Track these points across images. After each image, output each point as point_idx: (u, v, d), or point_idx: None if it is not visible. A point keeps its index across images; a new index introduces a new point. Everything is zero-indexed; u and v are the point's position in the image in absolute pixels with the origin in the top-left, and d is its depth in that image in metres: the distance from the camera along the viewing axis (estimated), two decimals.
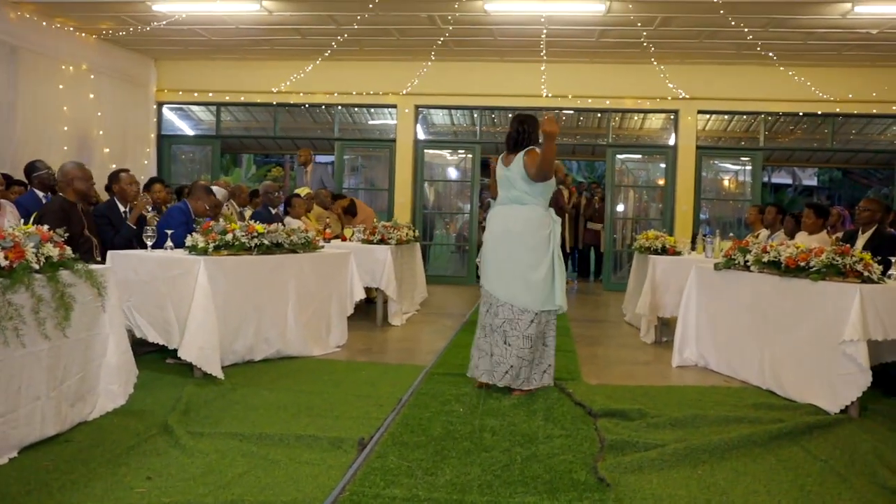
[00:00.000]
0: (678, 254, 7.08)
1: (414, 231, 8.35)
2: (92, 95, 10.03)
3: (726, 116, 12.16)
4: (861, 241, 6.18)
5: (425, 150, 12.08)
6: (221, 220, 5.49)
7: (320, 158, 14.87)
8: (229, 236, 5.12)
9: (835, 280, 4.48)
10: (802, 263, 4.68)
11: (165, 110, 12.27)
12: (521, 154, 4.69)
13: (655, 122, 12.58)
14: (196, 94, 11.88)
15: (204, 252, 5.01)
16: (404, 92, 11.47)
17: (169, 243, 5.35)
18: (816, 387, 4.52)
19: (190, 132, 12.79)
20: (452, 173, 13.13)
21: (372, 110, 12.50)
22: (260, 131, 13.36)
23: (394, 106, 11.80)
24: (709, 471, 3.41)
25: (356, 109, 12.40)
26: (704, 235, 7.19)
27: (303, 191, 9.44)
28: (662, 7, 8.32)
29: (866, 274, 4.43)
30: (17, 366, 3.23)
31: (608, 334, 7.45)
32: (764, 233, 7.96)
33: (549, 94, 11.26)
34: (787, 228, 7.61)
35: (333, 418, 4.03)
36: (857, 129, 12.15)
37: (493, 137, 12.35)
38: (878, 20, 8.41)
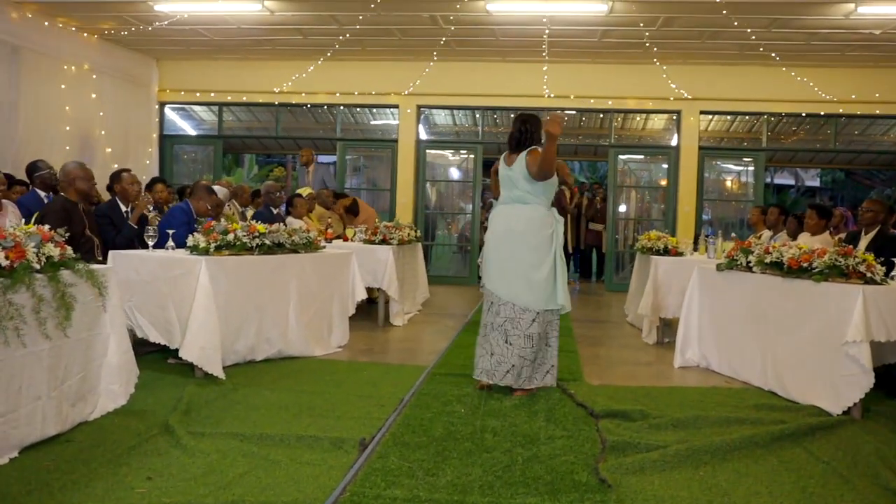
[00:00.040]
0: (680, 254, 7.07)
1: (416, 231, 8.35)
2: (94, 95, 10.03)
3: (729, 117, 12.15)
4: (864, 242, 6.16)
5: (427, 151, 12.08)
6: (223, 219, 5.49)
7: (322, 158, 14.90)
8: (231, 236, 5.12)
9: (837, 281, 4.47)
10: (805, 264, 4.67)
11: (167, 110, 12.28)
12: (523, 154, 4.69)
13: (658, 122, 12.57)
14: (198, 94, 11.89)
15: (205, 252, 5.01)
16: (406, 92, 11.47)
17: (170, 243, 5.35)
18: (819, 388, 4.50)
19: (192, 132, 12.80)
20: (454, 173, 13.13)
21: (374, 110, 12.51)
22: (262, 131, 13.38)
23: (396, 106, 11.80)
24: (710, 472, 3.40)
25: (358, 109, 12.41)
26: (707, 236, 7.17)
27: (305, 191, 9.43)
28: (665, 7, 8.31)
29: (869, 275, 4.42)
30: (17, 365, 3.22)
31: (610, 335, 7.44)
32: (766, 234, 7.95)
33: (552, 95, 11.25)
34: (790, 229, 7.60)
35: (335, 418, 4.02)
36: (860, 129, 12.14)
37: (495, 138, 12.34)
38: (881, 21, 8.39)
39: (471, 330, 7.03)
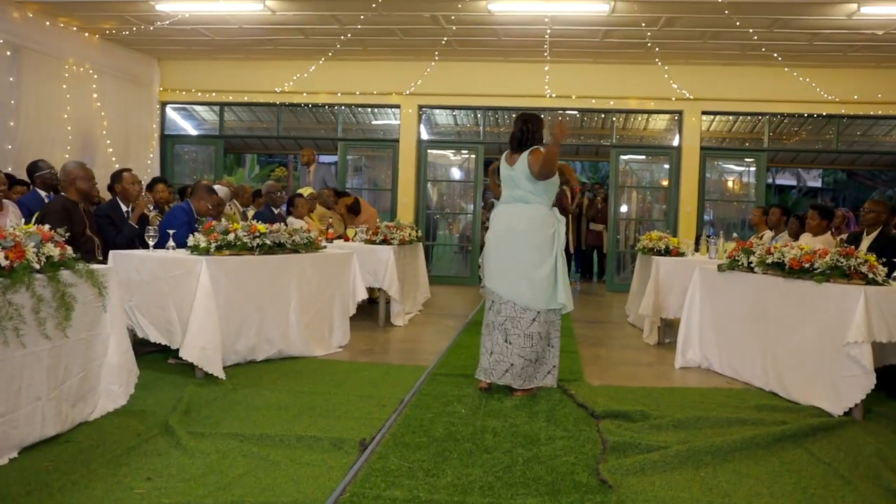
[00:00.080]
0: (681, 255, 7.06)
1: (417, 231, 8.34)
2: (95, 95, 10.03)
3: (731, 117, 12.13)
4: (866, 242, 6.15)
5: (429, 151, 12.07)
6: (224, 219, 5.48)
7: (324, 158, 14.90)
8: (231, 236, 5.12)
9: (839, 282, 4.46)
10: (806, 265, 4.66)
11: (169, 110, 12.28)
12: (525, 153, 4.68)
13: (659, 122, 12.55)
14: (199, 94, 11.88)
15: (206, 252, 5.00)
16: (408, 92, 11.46)
17: (171, 243, 5.35)
18: (820, 389, 4.50)
19: (193, 132, 12.80)
20: (456, 173, 13.12)
21: (375, 110, 12.50)
22: (263, 131, 13.37)
23: (397, 106, 11.79)
24: (711, 473, 3.39)
25: (359, 109, 12.39)
26: (708, 236, 7.16)
27: (306, 191, 9.43)
28: (667, 7, 8.30)
29: (871, 276, 4.41)
30: (17, 366, 3.22)
31: (611, 335, 7.43)
32: (768, 234, 7.94)
33: (553, 95, 11.24)
34: (792, 230, 7.59)
35: (335, 419, 4.02)
36: (862, 130, 12.12)
37: (497, 138, 12.32)
38: (884, 21, 8.37)
39: (471, 330, 7.03)
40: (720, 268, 5.54)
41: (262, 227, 5.33)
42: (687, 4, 8.19)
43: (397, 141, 11.85)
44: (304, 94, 11.67)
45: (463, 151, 12.53)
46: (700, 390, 5.05)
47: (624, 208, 12.13)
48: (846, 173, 23.78)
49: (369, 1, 8.20)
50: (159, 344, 4.96)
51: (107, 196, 7.61)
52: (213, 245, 5.03)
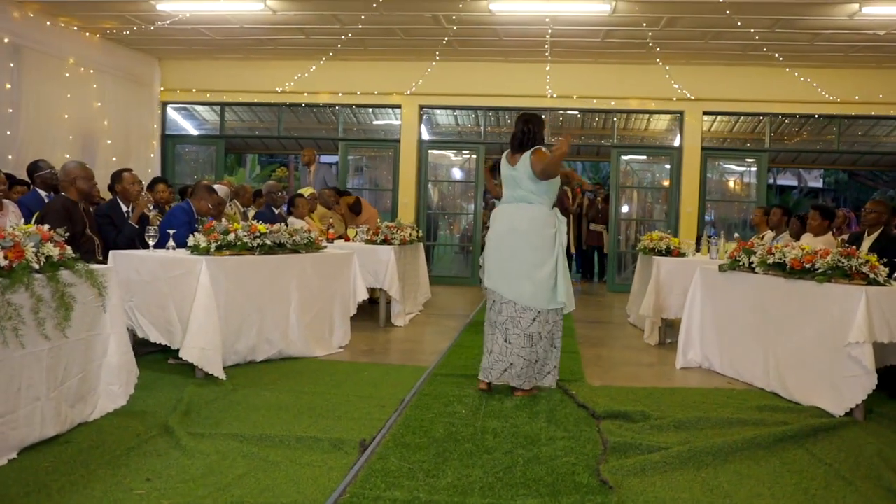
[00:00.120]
0: (683, 255, 7.05)
1: (417, 231, 8.34)
2: (96, 95, 10.02)
3: (732, 117, 12.12)
4: (867, 242, 6.14)
5: (429, 151, 12.06)
6: (224, 219, 5.48)
7: (325, 158, 14.88)
8: (231, 236, 5.11)
9: (840, 282, 4.45)
10: (808, 265, 4.65)
11: (169, 110, 12.28)
12: (527, 153, 4.67)
13: (660, 123, 12.54)
14: (200, 94, 11.87)
15: (206, 252, 5.00)
16: (409, 92, 11.46)
17: (171, 243, 5.34)
18: (821, 389, 4.49)
19: (194, 132, 12.79)
20: (457, 174, 13.11)
21: (376, 110, 12.49)
22: (264, 131, 13.36)
23: (398, 106, 11.79)
24: (712, 473, 3.38)
25: (360, 109, 12.39)
26: (709, 237, 7.15)
27: (306, 191, 9.42)
28: (668, 7, 8.29)
29: (872, 276, 4.41)
30: (16, 366, 3.21)
31: (612, 336, 7.42)
32: (769, 234, 7.93)
33: (554, 95, 11.23)
34: (793, 230, 7.58)
35: (335, 419, 4.01)
36: (863, 130, 12.10)
37: (498, 138, 12.31)
38: (885, 21, 8.36)
39: (472, 330, 7.03)
40: (721, 268, 5.54)
41: (262, 227, 5.33)
42: (688, 4, 8.18)
43: (398, 141, 11.85)
44: (305, 94, 11.67)
45: (464, 151, 12.53)
46: (701, 391, 5.04)
47: (625, 208, 12.12)
48: (847, 174, 23.77)
49: (370, 1, 8.19)
50: (159, 344, 4.96)
51: (107, 196, 7.60)
52: (214, 245, 5.02)
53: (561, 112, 11.90)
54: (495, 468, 3.32)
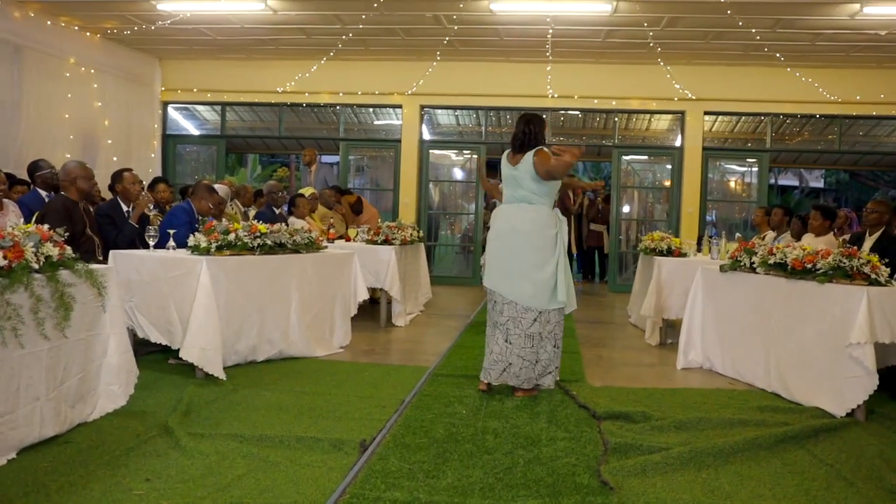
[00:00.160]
0: (684, 255, 7.04)
1: (418, 231, 8.33)
2: (96, 95, 10.01)
3: (733, 118, 12.10)
4: (868, 243, 6.13)
5: (430, 151, 12.04)
6: (224, 219, 5.47)
7: (326, 159, 14.88)
8: (232, 236, 5.11)
9: (841, 282, 4.45)
10: (809, 265, 4.64)
11: (170, 110, 12.27)
12: (529, 154, 4.65)
13: (662, 123, 12.52)
14: (201, 94, 11.86)
15: (206, 252, 4.99)
16: (409, 92, 11.45)
17: (171, 243, 5.33)
18: (822, 390, 4.48)
19: (195, 132, 12.78)
20: (458, 174, 13.10)
21: (377, 110, 12.48)
22: (265, 131, 13.36)
23: (399, 106, 11.78)
24: (713, 474, 3.38)
25: (361, 109, 12.37)
26: (710, 237, 7.14)
27: (307, 191, 9.42)
28: (669, 7, 8.28)
29: (873, 276, 4.40)
30: (16, 366, 3.21)
31: (613, 336, 7.41)
32: (770, 235, 7.92)
33: (555, 95, 11.22)
34: (794, 230, 7.57)
35: (335, 420, 4.01)
36: (864, 130, 12.08)
37: (499, 138, 12.30)
38: (886, 21, 8.34)
39: (473, 331, 7.02)
40: (722, 268, 5.53)
41: (262, 227, 5.32)
42: (689, 4, 8.17)
43: (399, 141, 11.84)
44: (306, 94, 11.66)
45: (465, 152, 12.52)
46: (702, 391, 5.04)
47: (626, 209, 12.11)
48: (849, 174, 23.75)
49: (371, 1, 8.19)
50: (159, 344, 4.95)
51: (108, 196, 7.60)
52: (214, 245, 5.02)
53: (562, 112, 11.90)
54: (496, 469, 3.31)
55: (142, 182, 6.71)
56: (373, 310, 7.64)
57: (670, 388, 5.16)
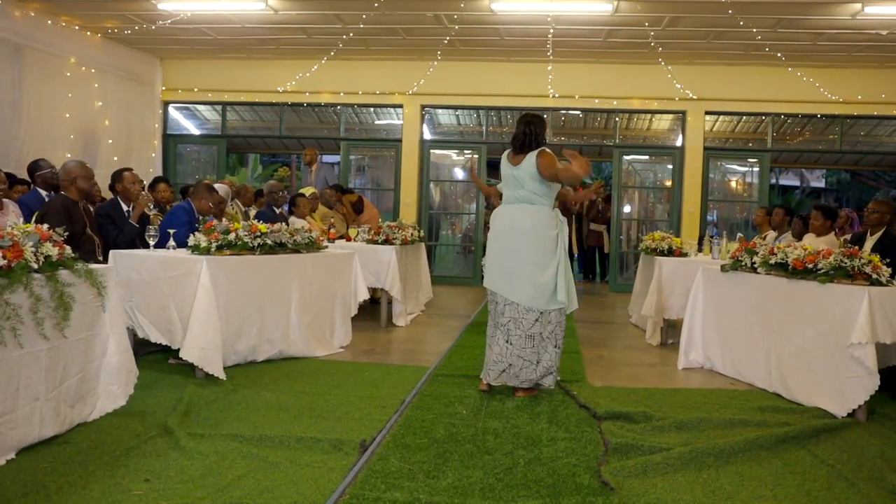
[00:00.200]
0: (685, 255, 7.04)
1: (419, 231, 8.33)
2: (97, 94, 10.01)
3: (734, 117, 12.09)
4: (869, 243, 6.12)
5: (431, 151, 12.04)
6: (225, 219, 5.46)
7: (326, 158, 14.86)
8: (232, 236, 5.10)
9: (843, 282, 4.44)
10: (810, 265, 4.64)
11: (171, 109, 12.27)
12: (532, 154, 4.63)
13: (663, 122, 12.51)
14: (202, 94, 11.86)
15: (206, 252, 4.99)
16: (410, 92, 11.44)
17: (171, 243, 5.33)
18: (823, 390, 4.47)
19: (196, 131, 12.78)
20: (458, 173, 13.10)
21: (378, 110, 12.47)
22: (266, 131, 13.35)
23: (400, 106, 11.78)
24: (714, 475, 3.37)
25: (362, 109, 12.37)
26: (711, 237, 7.13)
27: (308, 191, 9.42)
28: (670, 7, 8.27)
29: (875, 276, 4.39)
30: (15, 366, 3.20)
31: (613, 336, 7.40)
32: (771, 234, 7.91)
33: (556, 95, 11.22)
34: (795, 230, 7.56)
35: (335, 420, 4.00)
36: (865, 130, 12.08)
37: (500, 137, 12.29)
38: (887, 21, 8.34)
39: (474, 331, 7.01)
40: (723, 268, 5.52)
41: (262, 226, 5.32)
42: (690, 4, 8.16)
43: (400, 141, 11.83)
44: (307, 94, 11.66)
45: (466, 151, 12.52)
46: (703, 391, 5.03)
47: (627, 208, 12.11)
48: (850, 174, 23.74)
49: (371, 0, 8.18)
50: (159, 344, 4.95)
51: (108, 195, 7.60)
52: (214, 245, 5.01)
53: (563, 112, 11.89)
54: (496, 469, 3.31)
55: (142, 182, 6.71)
56: (373, 310, 7.64)
57: (671, 388, 5.15)
